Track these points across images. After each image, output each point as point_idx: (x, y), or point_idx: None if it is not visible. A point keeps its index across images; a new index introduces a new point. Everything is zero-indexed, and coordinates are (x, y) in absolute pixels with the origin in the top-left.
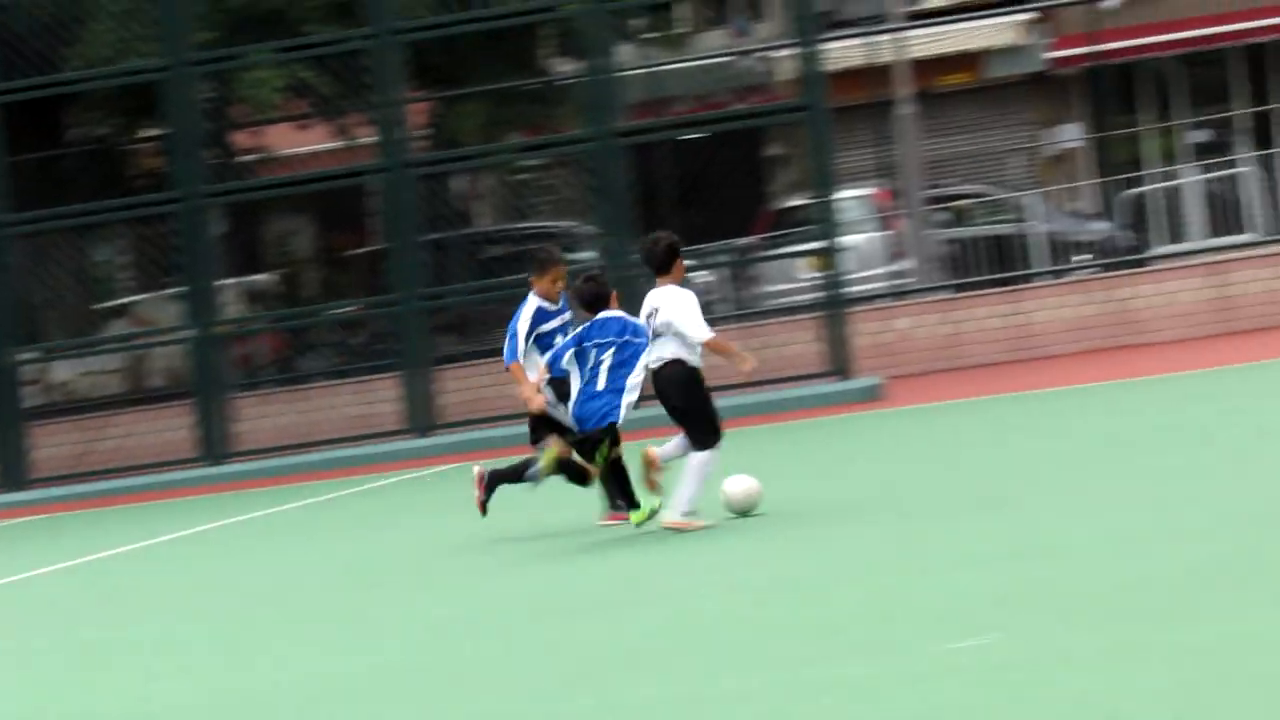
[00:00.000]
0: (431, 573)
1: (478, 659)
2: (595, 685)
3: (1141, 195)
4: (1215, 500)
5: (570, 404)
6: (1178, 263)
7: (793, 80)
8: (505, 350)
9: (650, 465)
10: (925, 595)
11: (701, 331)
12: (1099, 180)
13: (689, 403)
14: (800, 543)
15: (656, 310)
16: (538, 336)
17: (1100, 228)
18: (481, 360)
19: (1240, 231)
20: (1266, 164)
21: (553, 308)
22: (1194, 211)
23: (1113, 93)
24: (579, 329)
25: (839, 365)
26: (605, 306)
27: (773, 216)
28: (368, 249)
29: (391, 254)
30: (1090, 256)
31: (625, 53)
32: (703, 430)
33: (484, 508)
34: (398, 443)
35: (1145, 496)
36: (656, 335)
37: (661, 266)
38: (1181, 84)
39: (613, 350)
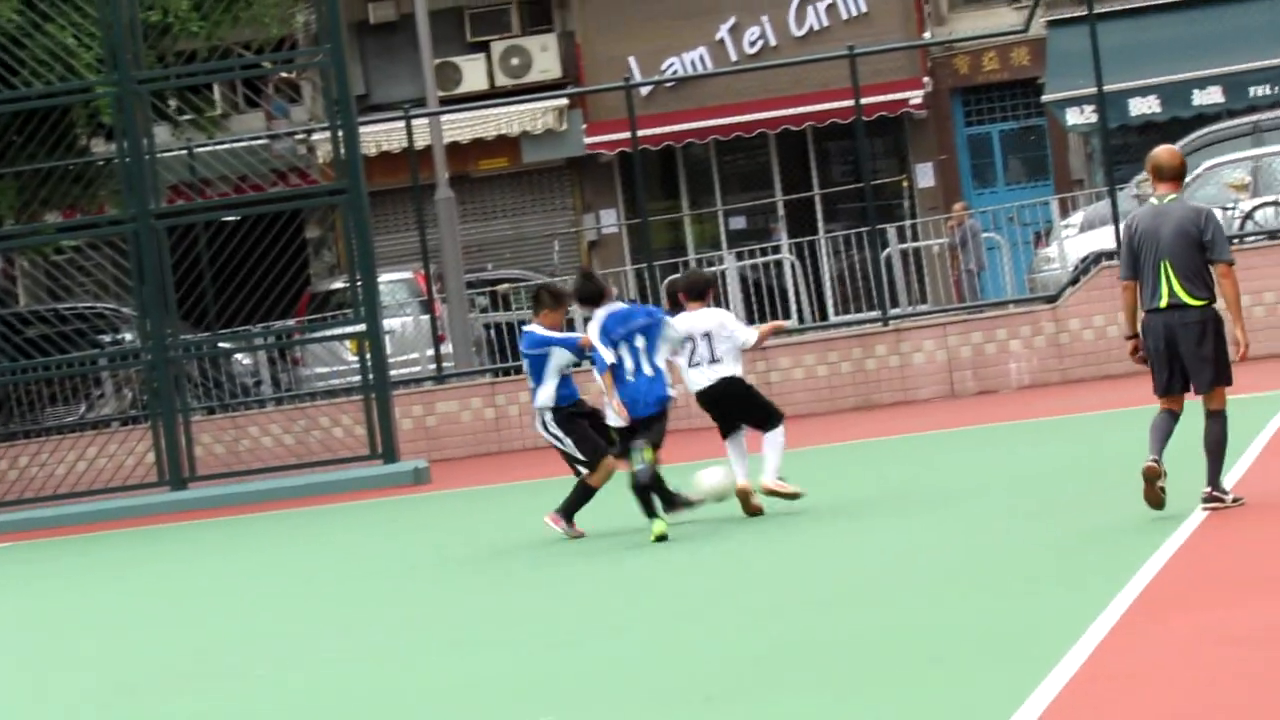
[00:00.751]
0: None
1: None
2: None
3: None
4: (767, 587)
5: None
6: None
7: (331, 163)
8: (595, 362)
9: (747, 497)
10: (480, 676)
11: (752, 334)
12: (639, 266)
13: (754, 401)
14: (311, 623)
15: (705, 331)
16: (532, 359)
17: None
18: (29, 440)
19: (781, 318)
20: (806, 250)
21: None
22: (735, 298)
23: (651, 178)
24: (600, 326)
25: (383, 448)
26: (605, 301)
27: (314, 299)
28: None
29: None
30: None
31: (162, 134)
32: (772, 412)
33: (575, 529)
34: None
35: (693, 581)
36: (699, 353)
37: (700, 294)
38: (721, 170)
39: (641, 335)
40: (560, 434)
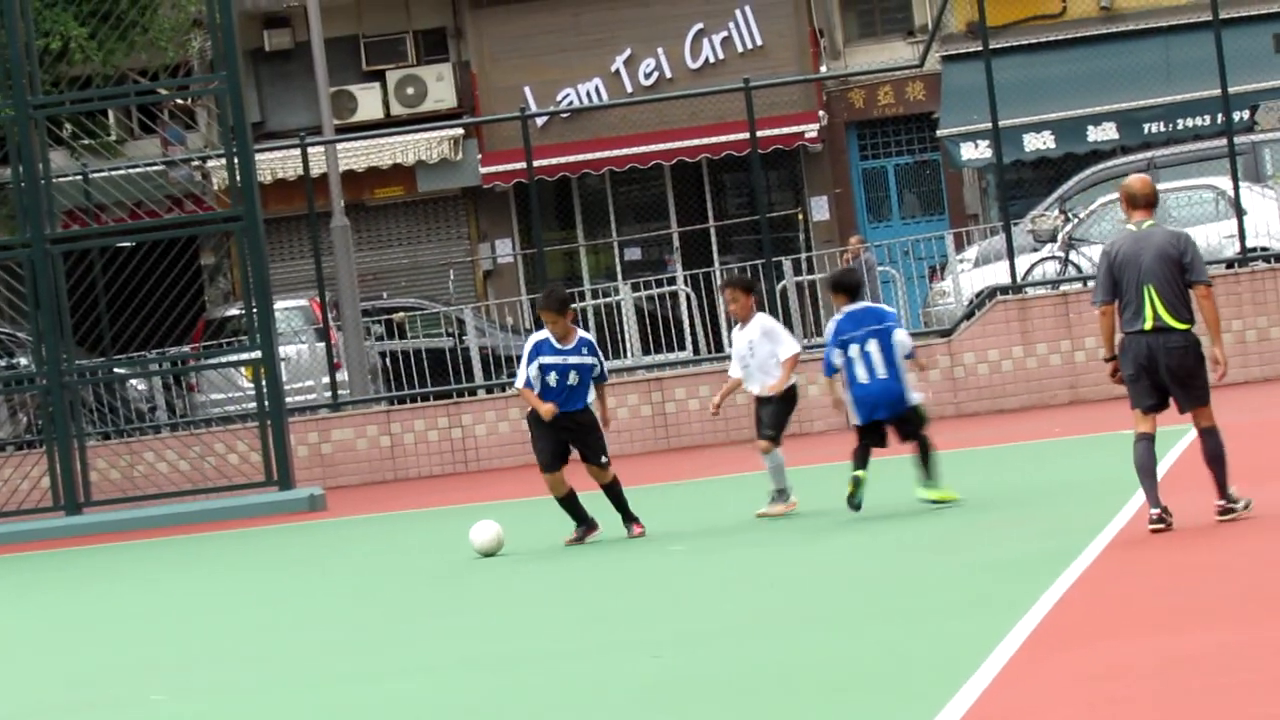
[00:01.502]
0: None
1: None
2: None
3: (576, 311)
4: (658, 617)
5: (852, 396)
6: (616, 379)
7: (227, 190)
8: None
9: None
10: (372, 705)
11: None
12: (533, 296)
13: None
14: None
15: (753, 343)
16: (541, 366)
17: None
18: None
19: (676, 349)
20: (701, 282)
21: (559, 345)
22: (630, 328)
23: (547, 208)
24: (835, 327)
25: (279, 475)
26: (860, 296)
27: (209, 325)
28: None
29: None
30: None
31: (58, 159)
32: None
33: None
34: None
35: (585, 610)
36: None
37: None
38: (616, 201)
39: (874, 339)
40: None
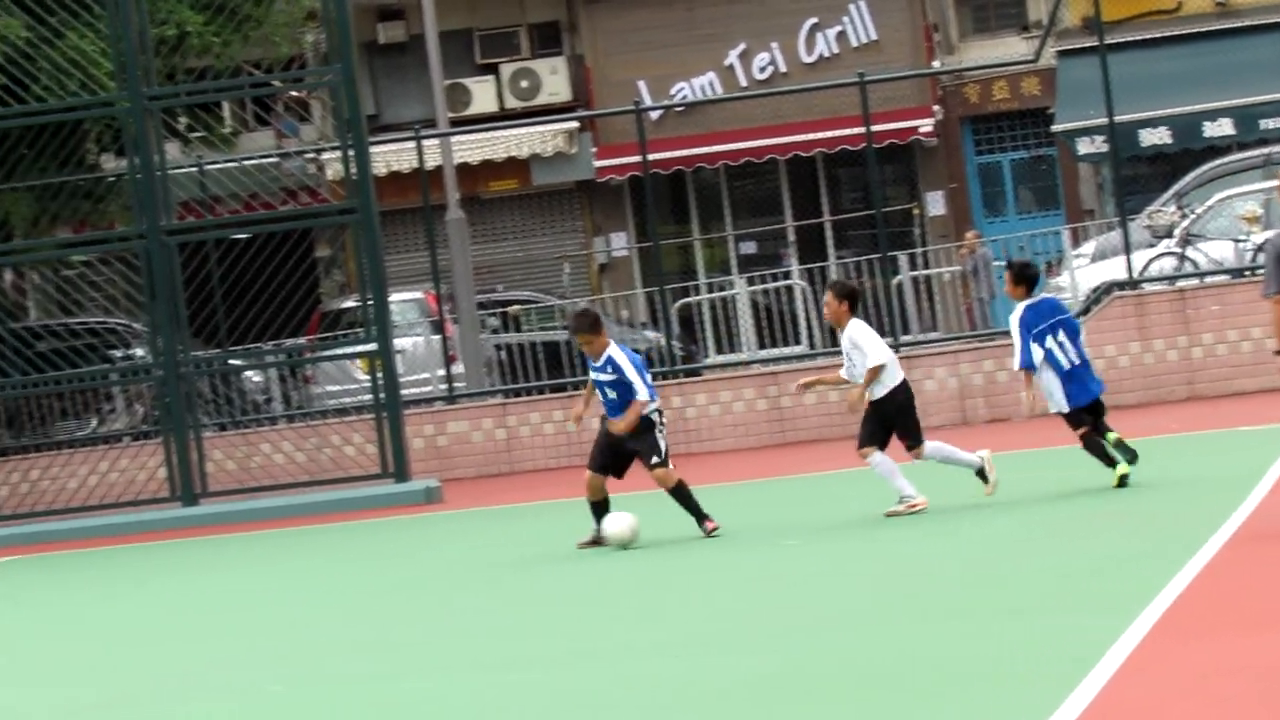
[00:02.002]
0: None
1: None
2: None
3: (692, 305)
4: (771, 611)
5: (1061, 384)
6: (731, 373)
7: (342, 182)
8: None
9: None
10: (487, 694)
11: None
12: (648, 289)
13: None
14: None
15: (849, 354)
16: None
17: (651, 336)
18: (40, 454)
19: (791, 343)
20: (816, 276)
21: (593, 363)
22: (745, 322)
23: (661, 202)
24: (1020, 320)
25: (395, 467)
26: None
27: (324, 318)
28: None
29: None
30: None
31: (172, 151)
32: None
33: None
34: None
35: (698, 605)
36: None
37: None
38: (731, 195)
39: (1062, 329)
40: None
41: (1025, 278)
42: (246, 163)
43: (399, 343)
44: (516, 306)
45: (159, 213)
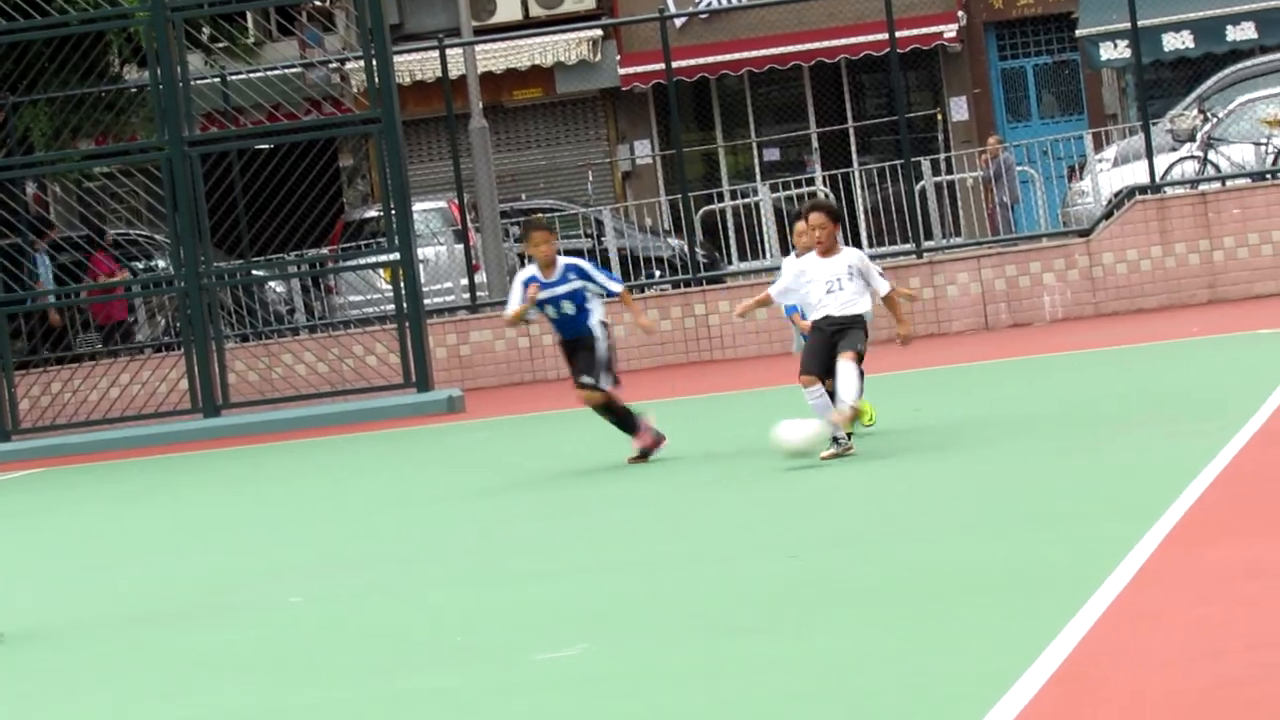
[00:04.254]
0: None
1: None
2: None
3: (715, 212)
4: (797, 522)
5: None
6: (754, 280)
7: (365, 92)
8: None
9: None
10: (511, 606)
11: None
12: (672, 197)
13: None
14: (393, 553)
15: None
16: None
17: (674, 244)
18: (61, 366)
19: None
20: (840, 183)
21: (545, 279)
22: (770, 229)
23: (685, 110)
24: None
25: (417, 377)
26: None
27: (347, 228)
28: None
29: None
30: (660, 273)
31: (195, 62)
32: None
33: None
34: None
35: (724, 516)
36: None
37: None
38: (755, 102)
39: None
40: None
41: None
42: (269, 73)
43: (422, 252)
44: (540, 215)
45: (181, 124)
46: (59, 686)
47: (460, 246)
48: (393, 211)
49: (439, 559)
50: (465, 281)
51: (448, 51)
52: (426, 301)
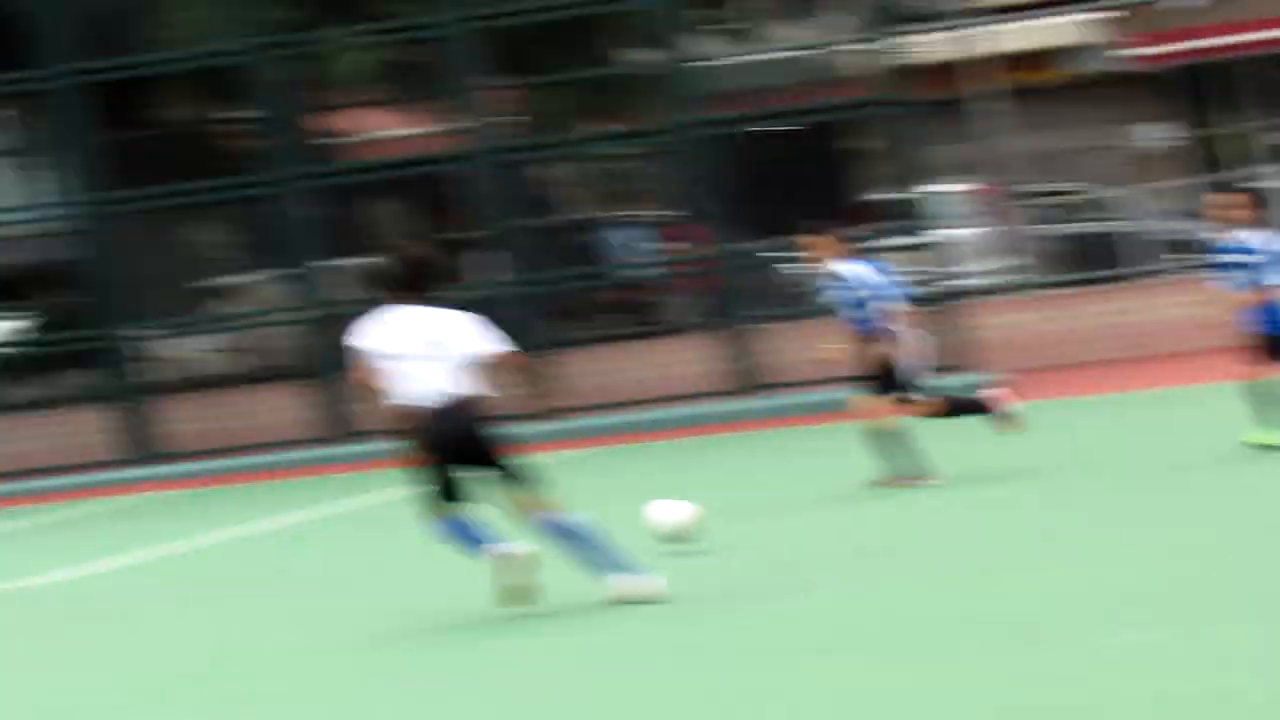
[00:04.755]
0: None
1: None
2: None
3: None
4: None
5: None
6: None
7: (870, 74)
8: None
9: None
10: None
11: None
12: (1195, 179)
13: None
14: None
15: None
16: None
17: (1189, 227)
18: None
19: None
20: None
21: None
22: None
23: (1210, 91)
24: None
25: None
26: None
27: (860, 211)
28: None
29: (490, 240)
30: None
31: (707, 44)
32: None
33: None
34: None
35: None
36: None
37: None
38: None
39: None
40: None
41: None
42: (778, 56)
43: (945, 234)
44: (1063, 197)
45: (698, 106)
46: None
47: (984, 230)
48: (909, 194)
49: (1039, 535)
50: (992, 264)
51: (960, 32)
52: (954, 284)
